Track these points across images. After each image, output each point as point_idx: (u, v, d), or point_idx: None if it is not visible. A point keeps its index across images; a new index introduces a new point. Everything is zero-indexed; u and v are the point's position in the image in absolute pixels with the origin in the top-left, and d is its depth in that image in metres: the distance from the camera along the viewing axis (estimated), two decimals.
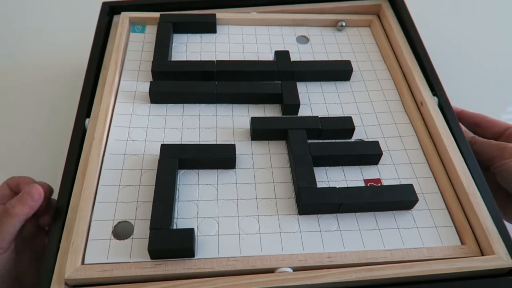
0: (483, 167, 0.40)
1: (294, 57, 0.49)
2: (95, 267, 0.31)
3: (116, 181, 0.36)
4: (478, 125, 0.45)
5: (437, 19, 0.70)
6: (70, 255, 0.31)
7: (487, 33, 0.69)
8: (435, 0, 0.74)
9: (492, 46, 0.67)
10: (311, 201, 0.35)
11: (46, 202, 0.36)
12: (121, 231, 0.34)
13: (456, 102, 0.48)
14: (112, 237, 0.33)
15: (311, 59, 0.49)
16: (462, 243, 0.35)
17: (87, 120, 0.41)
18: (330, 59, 0.49)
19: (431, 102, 0.43)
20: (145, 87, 0.44)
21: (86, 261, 0.32)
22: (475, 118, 0.45)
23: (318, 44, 0.51)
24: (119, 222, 0.34)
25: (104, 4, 0.51)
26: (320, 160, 0.38)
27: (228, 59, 0.48)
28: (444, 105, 0.43)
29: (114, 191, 0.36)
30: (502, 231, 0.34)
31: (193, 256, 0.32)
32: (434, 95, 0.44)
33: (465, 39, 0.67)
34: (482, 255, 0.34)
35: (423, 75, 0.45)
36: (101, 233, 0.33)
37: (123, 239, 0.33)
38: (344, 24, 0.52)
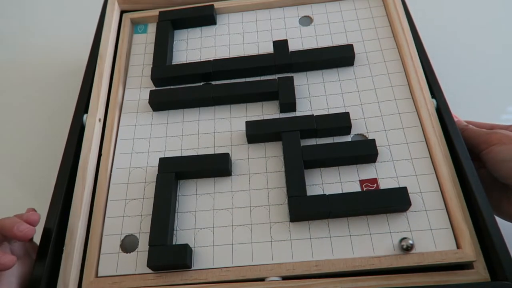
0: (474, 158, 0.38)
1: (295, 43, 0.47)
2: (107, 280, 0.35)
3: (123, 196, 0.40)
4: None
5: (435, 17, 0.64)
6: (86, 269, 0.36)
7: (487, 32, 0.62)
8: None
9: (491, 45, 0.60)
10: (300, 211, 0.35)
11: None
12: (128, 245, 0.37)
13: (456, 101, 0.45)
14: (120, 251, 0.37)
15: (314, 43, 0.47)
16: (458, 246, 0.34)
17: (85, 115, 0.43)
18: (334, 40, 0.47)
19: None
20: (147, 94, 0.46)
21: (99, 274, 0.36)
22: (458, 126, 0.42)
23: (322, 25, 0.48)
24: (126, 236, 0.38)
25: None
26: (314, 163, 0.38)
27: (227, 55, 0.47)
28: (442, 109, 0.41)
29: (121, 206, 0.39)
30: (498, 244, 0.33)
31: (190, 267, 0.35)
32: (433, 97, 0.41)
33: (464, 38, 0.61)
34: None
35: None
36: (110, 247, 0.37)
37: (129, 252, 0.37)
38: None
